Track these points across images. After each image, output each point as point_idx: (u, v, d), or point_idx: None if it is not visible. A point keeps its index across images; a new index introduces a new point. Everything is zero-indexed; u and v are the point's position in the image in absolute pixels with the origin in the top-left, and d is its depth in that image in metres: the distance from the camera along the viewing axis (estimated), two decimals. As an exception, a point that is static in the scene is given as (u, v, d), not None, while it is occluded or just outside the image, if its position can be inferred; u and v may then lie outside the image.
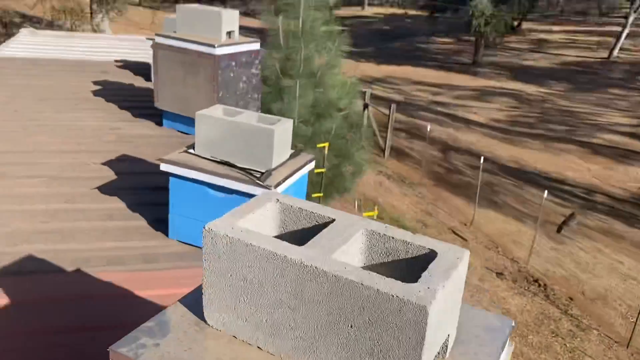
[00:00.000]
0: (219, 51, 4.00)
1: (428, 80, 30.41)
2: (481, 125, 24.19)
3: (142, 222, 3.01)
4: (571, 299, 10.61)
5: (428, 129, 17.60)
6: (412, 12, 44.56)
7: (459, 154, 20.17)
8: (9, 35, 16.38)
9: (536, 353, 8.67)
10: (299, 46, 7.68)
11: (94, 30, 15.04)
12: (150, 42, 5.95)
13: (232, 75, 4.17)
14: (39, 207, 3.08)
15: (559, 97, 27.43)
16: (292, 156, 2.88)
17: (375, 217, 6.62)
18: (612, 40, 32.95)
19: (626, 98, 26.83)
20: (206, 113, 2.76)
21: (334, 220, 1.41)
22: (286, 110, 7.18)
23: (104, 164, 3.71)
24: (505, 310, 9.84)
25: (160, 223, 2.99)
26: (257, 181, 2.59)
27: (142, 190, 3.39)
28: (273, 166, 2.69)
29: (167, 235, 2.90)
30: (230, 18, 4.20)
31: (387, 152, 17.44)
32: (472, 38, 32.84)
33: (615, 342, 9.33)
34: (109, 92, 5.41)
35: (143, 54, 7.44)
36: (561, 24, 40.51)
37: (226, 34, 4.16)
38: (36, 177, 3.41)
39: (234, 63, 4.16)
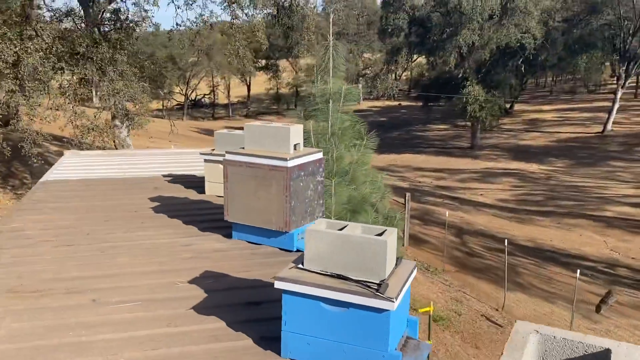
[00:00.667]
0: (290, 163, 4.17)
1: (430, 166, 31.05)
2: (489, 206, 24.41)
3: (248, 342, 2.99)
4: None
5: (447, 215, 17.72)
6: (405, 103, 46.33)
7: (474, 237, 20.18)
8: (43, 156, 16.95)
9: None
10: (330, 147, 7.97)
11: (115, 147, 15.54)
12: (202, 156, 6.18)
13: (301, 184, 4.32)
14: (143, 332, 3.08)
15: (562, 173, 27.93)
16: (396, 265, 2.94)
17: (431, 312, 6.55)
18: (603, 115, 34.11)
19: (628, 170, 27.33)
20: (315, 228, 2.85)
21: (608, 350, 1.38)
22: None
23: (190, 282, 3.74)
24: None
25: (267, 341, 2.98)
26: (377, 293, 2.63)
27: (238, 307, 3.40)
28: (386, 276, 2.74)
29: (279, 354, 2.88)
30: (297, 132, 4.42)
31: (406, 241, 17.44)
32: (468, 123, 33.92)
33: None
34: (168, 207, 5.53)
35: (188, 166, 7.70)
36: (551, 104, 42.09)
37: (293, 146, 4.36)
38: (131, 301, 3.43)
39: (302, 173, 4.32)
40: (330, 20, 8.60)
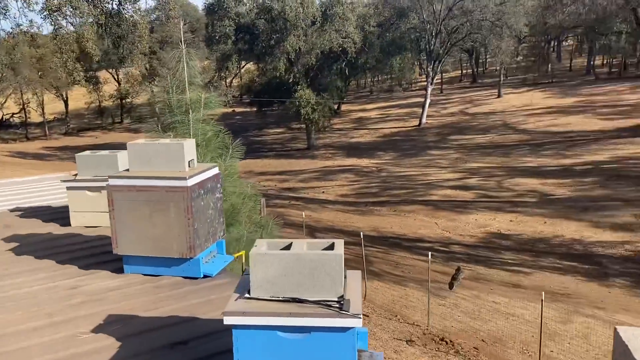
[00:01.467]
0: (190, 182, 3.79)
1: (272, 170, 31.39)
2: (332, 202, 25.43)
3: (191, 388, 2.64)
4: (476, 349, 11.29)
5: (303, 216, 17.99)
6: (239, 109, 46.20)
7: (325, 233, 20.82)
8: None
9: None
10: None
11: None
12: (64, 183, 5.38)
13: (202, 204, 3.96)
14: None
15: (391, 165, 30.14)
16: (345, 277, 2.82)
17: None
18: (418, 110, 37.55)
19: (444, 157, 30.41)
20: (260, 251, 2.60)
21: None
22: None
23: (94, 331, 3.20)
24: (429, 375, 10.12)
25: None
26: (342, 311, 2.48)
27: (162, 351, 2.98)
28: (344, 292, 2.61)
29: (230, 394, 2.57)
30: (190, 148, 4.04)
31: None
32: (303, 125, 34.93)
33: (528, 378, 10.10)
34: (31, 246, 4.70)
35: (36, 197, 6.66)
36: (373, 103, 45.21)
37: (188, 163, 3.98)
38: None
39: (202, 191, 3.97)
40: (181, 26, 8.13)
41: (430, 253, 12.76)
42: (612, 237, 18.35)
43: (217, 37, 33.46)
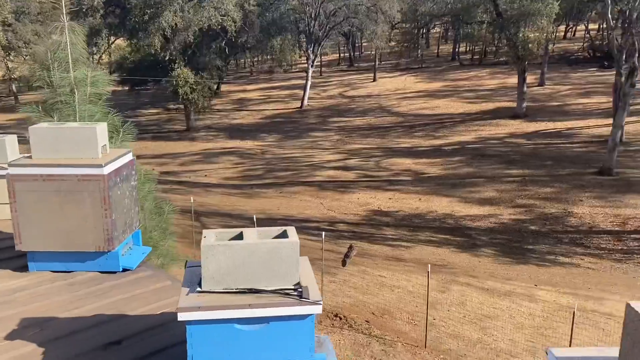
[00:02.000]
0: (106, 170, 3.50)
1: (149, 153, 29.99)
2: (217, 186, 24.99)
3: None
4: (367, 321, 11.85)
5: (192, 201, 17.43)
6: (109, 88, 43.33)
7: (212, 218, 20.45)
8: None
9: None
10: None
11: None
12: None
13: (119, 193, 3.69)
14: None
15: (274, 147, 30.23)
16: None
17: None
18: (299, 92, 37.94)
19: (326, 139, 31.13)
20: (211, 243, 2.51)
21: None
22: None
23: (7, 338, 2.87)
24: (326, 351, 10.45)
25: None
26: (302, 299, 2.48)
27: (94, 354, 2.75)
28: (299, 279, 2.61)
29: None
30: (103, 132, 3.73)
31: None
32: (181, 106, 33.72)
33: (415, 346, 10.82)
34: None
35: None
36: (253, 84, 44.83)
37: (101, 149, 3.68)
38: None
39: (119, 179, 3.69)
40: (63, -1, 7.36)
41: (323, 233, 13.06)
42: (478, 211, 20.10)
43: (84, 10, 30.97)
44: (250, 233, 2.64)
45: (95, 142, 3.61)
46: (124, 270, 3.70)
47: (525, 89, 29.55)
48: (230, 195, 23.78)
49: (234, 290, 2.50)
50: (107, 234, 3.56)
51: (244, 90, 42.63)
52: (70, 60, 7.15)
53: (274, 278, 2.53)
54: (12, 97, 43.25)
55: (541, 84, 35.07)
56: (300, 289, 2.52)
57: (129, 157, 3.92)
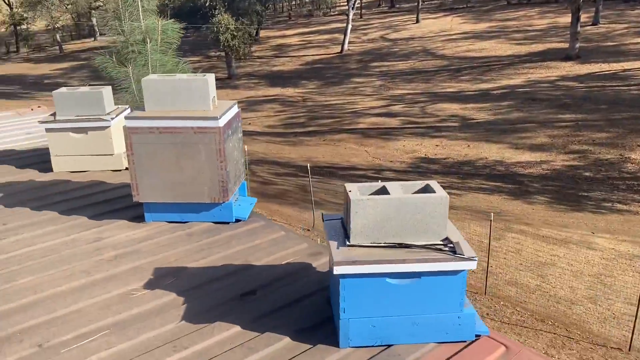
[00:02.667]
0: (221, 122, 3.53)
1: (192, 101, 30.15)
2: (261, 134, 25.11)
3: (286, 341, 2.55)
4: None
5: (245, 149, 17.61)
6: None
7: (260, 166, 20.68)
8: None
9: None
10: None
11: None
12: (43, 125, 4.82)
13: (230, 145, 3.75)
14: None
15: (316, 94, 29.98)
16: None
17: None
18: (339, 36, 37.14)
19: (367, 84, 30.65)
20: (361, 197, 2.52)
21: None
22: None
23: (146, 287, 3.01)
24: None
25: (307, 334, 2.60)
26: (457, 255, 2.49)
27: (232, 303, 2.85)
28: (447, 235, 2.62)
29: (335, 345, 2.55)
30: (212, 83, 3.74)
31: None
32: (222, 53, 33.54)
33: (475, 293, 10.94)
34: (19, 197, 4.24)
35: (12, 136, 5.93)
36: (292, 28, 44.05)
37: (212, 100, 3.70)
38: (89, 334, 2.60)
39: (230, 132, 3.74)
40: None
41: (365, 181, 13.05)
42: (530, 158, 19.71)
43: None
44: (394, 187, 2.65)
45: (207, 94, 3.64)
46: (237, 220, 3.79)
47: (578, 28, 28.19)
48: (275, 143, 23.90)
49: (383, 244, 2.53)
50: (222, 185, 3.63)
51: (283, 36, 41.97)
52: (140, 9, 7.14)
53: (423, 233, 2.55)
54: (57, 47, 43.75)
55: (595, 22, 33.38)
56: (451, 244, 2.53)
57: (236, 109, 3.94)
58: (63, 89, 4.90)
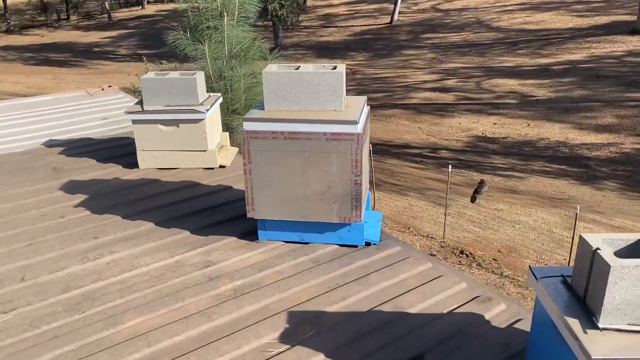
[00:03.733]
0: (360, 127, 2.85)
1: (240, 72, 29.55)
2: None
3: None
4: (495, 259, 11.19)
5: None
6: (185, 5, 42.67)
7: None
8: None
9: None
10: (231, 73, 6.43)
11: None
12: (130, 115, 4.22)
13: (364, 154, 3.06)
14: None
15: (365, 66, 28.89)
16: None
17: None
18: (389, 6, 35.67)
19: (419, 57, 29.35)
20: (622, 264, 1.79)
21: None
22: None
23: (281, 340, 2.39)
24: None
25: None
26: None
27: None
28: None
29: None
30: (342, 76, 3.04)
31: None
32: (268, 23, 32.67)
33: (553, 287, 10.13)
34: (107, 202, 3.68)
35: (63, 126, 5.38)
36: (338, -3, 42.65)
37: (344, 99, 3.00)
38: None
39: (364, 137, 3.04)
40: None
41: (450, 166, 12.22)
42: (596, 139, 18.43)
43: None
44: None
45: (340, 91, 2.93)
46: (367, 244, 3.13)
47: (648, 0, 26.17)
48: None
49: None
50: (355, 202, 2.96)
51: (330, 5, 40.61)
52: (216, -19, 6.45)
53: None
54: (106, 15, 43.56)
55: (664, -7, 31.00)
56: None
57: (366, 106, 3.23)
58: (151, 75, 4.24)
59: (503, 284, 10.20)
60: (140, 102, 4.21)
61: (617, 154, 17.50)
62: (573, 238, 10.05)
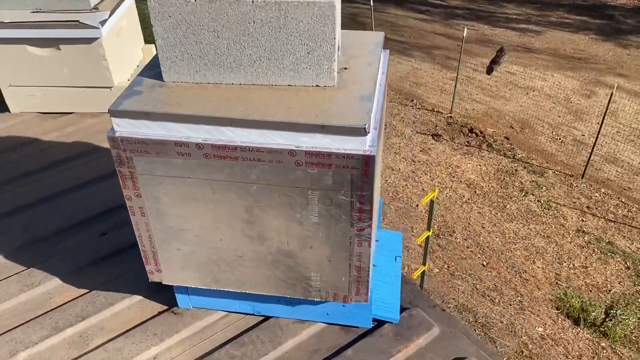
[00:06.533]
0: (372, 138, 1.24)
1: None
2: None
3: None
4: (507, 138, 9.75)
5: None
6: None
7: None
8: None
9: (520, 223, 7.80)
10: None
11: None
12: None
13: (375, 177, 1.43)
14: None
15: None
16: None
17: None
18: None
19: None
20: None
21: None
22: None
23: None
24: (468, 181, 8.67)
25: None
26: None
27: None
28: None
29: None
30: (337, 9, 1.32)
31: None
32: None
33: (570, 175, 8.82)
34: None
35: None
36: None
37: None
38: None
39: (378, 146, 1.40)
40: None
41: (465, 29, 10.14)
42: (623, -16, 15.90)
43: None
44: None
45: (327, 44, 1.24)
46: (380, 322, 1.66)
47: None
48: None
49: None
50: (358, 274, 1.44)
51: None
52: None
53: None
54: None
55: None
56: None
57: (385, 58, 1.52)
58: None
59: (516, 170, 8.89)
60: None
61: (645, 2, 15.17)
62: (605, 114, 8.50)
